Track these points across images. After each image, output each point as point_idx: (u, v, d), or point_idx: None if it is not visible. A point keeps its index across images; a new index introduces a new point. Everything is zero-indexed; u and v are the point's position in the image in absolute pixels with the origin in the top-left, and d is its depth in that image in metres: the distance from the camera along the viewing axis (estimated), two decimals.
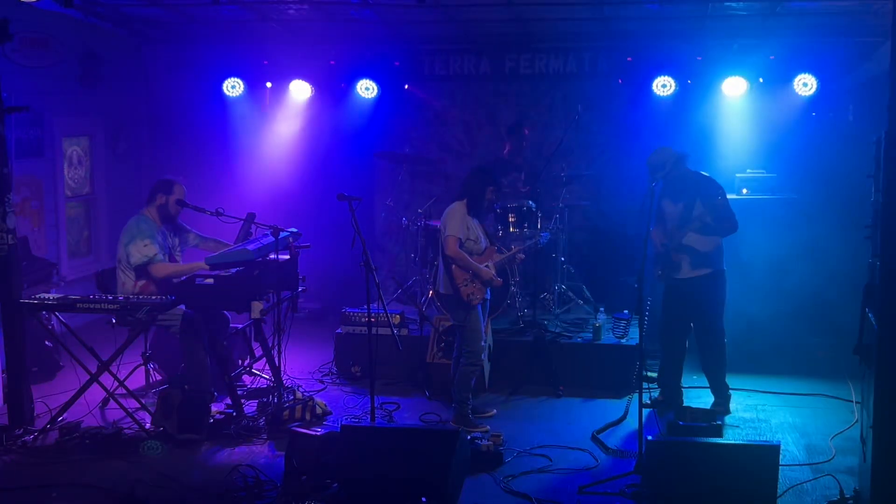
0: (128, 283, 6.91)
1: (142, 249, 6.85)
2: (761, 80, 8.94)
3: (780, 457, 5.15)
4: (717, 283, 6.89)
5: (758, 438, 6.51)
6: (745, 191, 8.42)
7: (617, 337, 7.85)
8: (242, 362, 7.62)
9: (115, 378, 6.67)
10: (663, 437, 5.89)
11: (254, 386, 7.51)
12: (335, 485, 5.37)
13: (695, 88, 9.16)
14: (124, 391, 6.72)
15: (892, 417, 4.80)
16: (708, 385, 7.14)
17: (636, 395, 5.98)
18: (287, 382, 7.34)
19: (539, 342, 7.75)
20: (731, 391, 7.11)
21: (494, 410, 7.13)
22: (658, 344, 7.33)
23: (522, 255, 7.25)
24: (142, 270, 6.87)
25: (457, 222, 6.64)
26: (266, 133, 10.16)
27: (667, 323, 7.11)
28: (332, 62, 9.82)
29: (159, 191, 7.12)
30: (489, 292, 6.86)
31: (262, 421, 6.66)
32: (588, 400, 7.40)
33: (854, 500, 5.31)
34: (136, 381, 7.32)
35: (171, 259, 7.13)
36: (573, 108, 9.11)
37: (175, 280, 6.82)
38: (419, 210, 8.90)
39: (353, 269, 9.91)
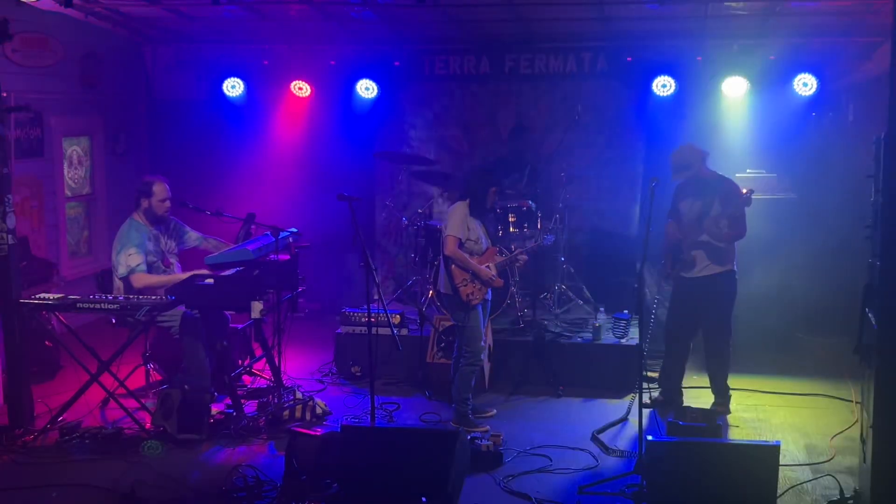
0: (122, 288, 6.90)
1: (126, 259, 6.83)
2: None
3: (780, 457, 5.15)
4: (728, 282, 6.89)
5: (758, 438, 6.51)
6: (745, 190, 8.40)
7: (617, 337, 7.84)
8: (242, 362, 7.62)
9: (115, 378, 6.67)
10: (663, 437, 5.89)
11: (254, 386, 7.51)
12: (335, 485, 5.36)
13: (695, 88, 9.15)
14: (124, 391, 6.73)
15: (892, 417, 4.80)
16: (709, 385, 7.14)
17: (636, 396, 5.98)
18: (287, 382, 7.34)
19: (539, 342, 7.75)
20: (731, 391, 7.11)
21: (494, 410, 7.13)
22: (662, 343, 7.32)
23: (525, 257, 7.23)
24: (128, 280, 6.86)
25: (457, 222, 6.64)
26: (266, 133, 10.15)
27: (673, 322, 7.11)
28: (332, 62, 9.82)
29: (141, 195, 7.06)
30: (490, 292, 6.86)
31: (262, 421, 6.66)
32: (588, 400, 7.40)
33: (854, 500, 5.32)
34: (136, 381, 7.32)
35: (166, 261, 7.10)
36: (573, 108, 9.10)
37: (160, 290, 6.81)
38: (419, 210, 8.90)
39: (352, 268, 10.01)
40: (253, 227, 7.32)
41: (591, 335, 7.89)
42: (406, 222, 9.01)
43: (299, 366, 8.21)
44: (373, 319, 6.32)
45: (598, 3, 8.23)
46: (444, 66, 9.86)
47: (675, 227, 6.96)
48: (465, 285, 6.60)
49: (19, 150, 8.44)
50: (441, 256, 6.80)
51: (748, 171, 8.67)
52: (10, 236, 6.60)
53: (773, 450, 5.09)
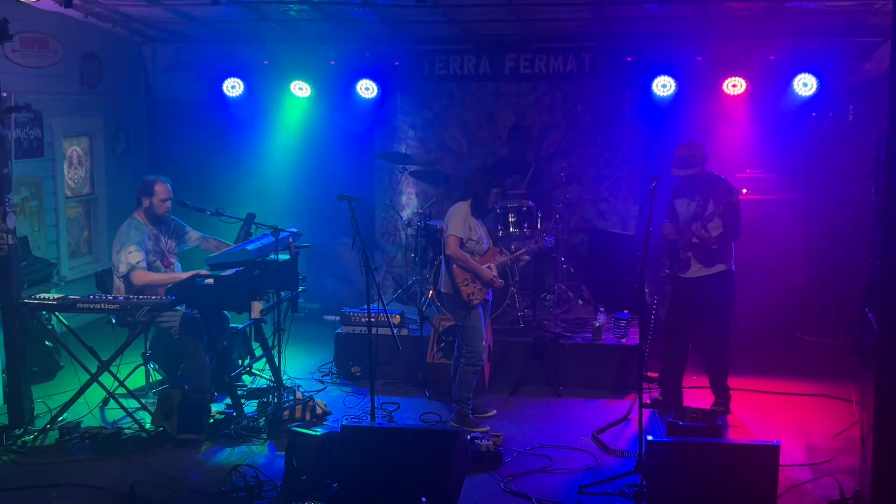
0: (122, 288, 6.90)
1: (127, 257, 6.82)
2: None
3: (780, 457, 5.15)
4: (725, 282, 6.88)
5: (758, 438, 6.51)
6: (745, 191, 8.42)
7: (617, 337, 7.85)
8: (242, 362, 7.62)
9: (115, 378, 6.68)
10: (663, 437, 5.89)
11: (254, 386, 7.51)
12: (335, 485, 5.37)
13: (695, 88, 9.15)
14: (124, 391, 6.73)
15: (892, 417, 4.80)
16: (709, 385, 7.14)
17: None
18: (287, 382, 7.34)
19: (539, 342, 7.75)
20: (731, 391, 7.11)
21: (494, 410, 7.13)
22: (662, 343, 7.31)
23: (528, 257, 7.23)
24: (128, 279, 6.86)
25: (458, 222, 6.64)
26: (266, 133, 10.15)
27: (672, 322, 7.11)
28: (332, 62, 9.81)
29: (142, 194, 7.05)
30: (490, 293, 6.86)
31: (262, 421, 6.66)
32: (588, 400, 7.40)
33: (854, 500, 5.32)
34: (136, 381, 7.33)
35: (166, 261, 7.10)
36: (573, 108, 9.10)
37: (160, 289, 6.81)
38: (419, 210, 8.90)
39: (352, 268, 10.01)
40: (253, 227, 7.33)
41: (591, 335, 7.89)
42: (406, 222, 9.01)
43: (299, 366, 8.21)
44: (373, 319, 6.33)
45: (598, 4, 8.24)
46: (443, 66, 9.85)
47: (671, 227, 6.95)
48: (467, 285, 6.60)
49: (19, 150, 8.43)
50: (442, 256, 6.80)
51: (748, 171, 8.66)
52: (10, 236, 6.61)
53: (773, 450, 5.09)
